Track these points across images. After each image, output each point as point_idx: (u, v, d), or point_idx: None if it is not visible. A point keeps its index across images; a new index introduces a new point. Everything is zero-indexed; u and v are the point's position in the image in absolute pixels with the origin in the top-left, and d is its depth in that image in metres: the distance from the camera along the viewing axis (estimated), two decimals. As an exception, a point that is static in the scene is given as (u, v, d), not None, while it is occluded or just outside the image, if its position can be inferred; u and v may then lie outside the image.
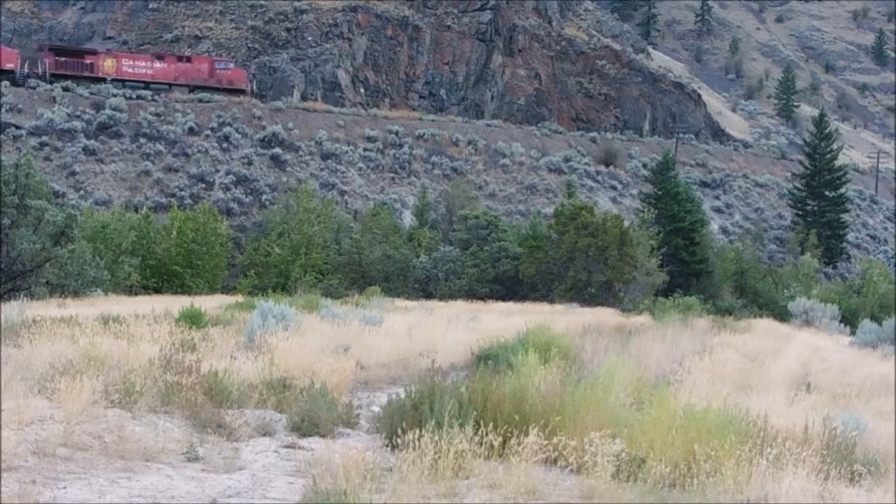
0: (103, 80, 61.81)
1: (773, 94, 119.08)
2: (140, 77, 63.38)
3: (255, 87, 67.04)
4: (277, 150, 60.77)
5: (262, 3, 74.21)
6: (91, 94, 59.61)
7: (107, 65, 62.83)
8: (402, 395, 9.21)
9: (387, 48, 75.67)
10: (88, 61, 62.46)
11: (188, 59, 65.82)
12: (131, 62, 64.17)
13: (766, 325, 30.10)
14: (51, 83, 59.58)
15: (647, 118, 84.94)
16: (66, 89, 59.35)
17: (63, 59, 61.62)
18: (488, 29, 79.59)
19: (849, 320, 35.95)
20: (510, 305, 34.04)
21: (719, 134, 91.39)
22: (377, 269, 46.17)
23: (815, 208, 71.30)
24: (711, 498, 7.11)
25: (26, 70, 60.38)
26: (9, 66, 59.21)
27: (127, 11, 72.50)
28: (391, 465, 7.72)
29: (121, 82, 62.27)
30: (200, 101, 62.69)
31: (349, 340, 15.57)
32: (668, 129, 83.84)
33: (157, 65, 64.59)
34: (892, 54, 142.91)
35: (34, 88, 58.69)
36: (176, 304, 21.09)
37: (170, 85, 63.80)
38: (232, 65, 67.09)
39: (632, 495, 7.15)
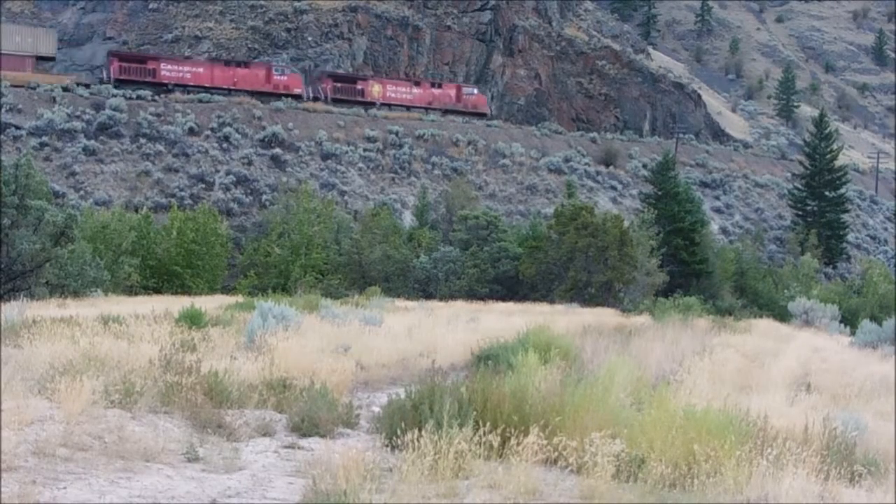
0: (372, 104, 68.68)
1: (773, 95, 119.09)
2: (401, 101, 70.63)
3: (492, 110, 74.83)
4: (277, 150, 60.77)
5: (262, 3, 74.21)
6: (91, 94, 59.65)
7: (375, 90, 69.65)
8: (402, 396, 9.21)
9: (387, 48, 75.68)
10: (360, 87, 69.16)
11: (439, 85, 73.28)
12: (394, 88, 71.12)
13: (766, 325, 30.09)
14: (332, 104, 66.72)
15: (647, 118, 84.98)
16: (341, 111, 66.19)
17: (339, 85, 68.66)
18: (488, 29, 79.62)
19: (849, 320, 35.90)
20: (510, 306, 34.03)
21: (719, 134, 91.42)
22: (377, 270, 46.17)
23: (815, 208, 71.30)
24: (711, 498, 7.11)
25: (311, 94, 67.23)
26: (297, 90, 66.68)
27: (127, 11, 72.50)
28: (391, 465, 7.73)
29: (387, 106, 69.15)
30: (200, 101, 62.71)
31: (349, 341, 15.57)
32: (668, 129, 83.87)
33: (415, 90, 71.91)
34: (892, 54, 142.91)
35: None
36: (176, 304, 21.09)
37: (426, 108, 71.00)
38: (475, 91, 74.50)
39: (632, 495, 7.15)
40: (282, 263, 45.27)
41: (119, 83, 61.80)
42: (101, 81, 62.51)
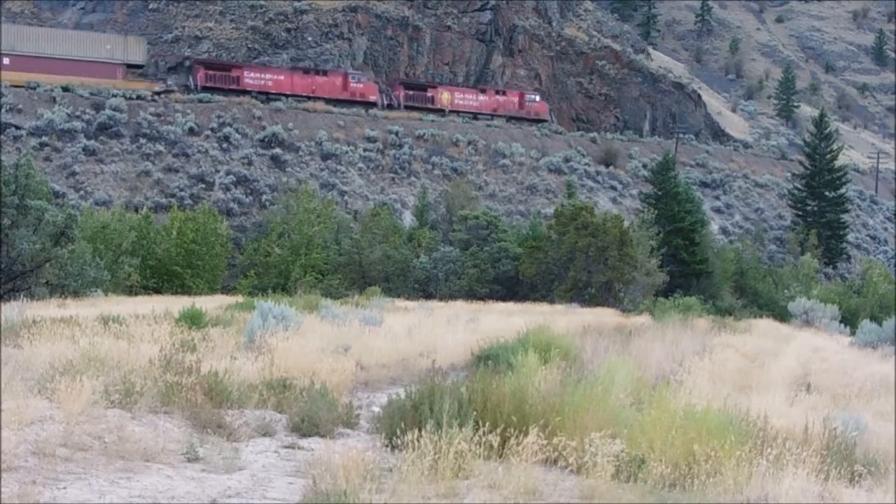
0: (442, 111, 70.91)
1: (773, 95, 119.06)
2: (468, 108, 72.51)
3: (552, 117, 76.52)
4: (277, 150, 60.77)
5: (262, 3, 74.21)
6: (91, 94, 59.66)
7: (444, 98, 71.88)
8: (402, 396, 9.22)
9: (387, 48, 75.68)
10: (430, 94, 71.73)
11: (503, 93, 75.03)
12: (462, 95, 73.19)
13: (766, 325, 30.09)
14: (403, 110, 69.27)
15: (647, 118, 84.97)
16: (411, 117, 68.48)
17: (411, 92, 71.27)
18: (488, 29, 79.61)
19: (849, 321, 35.91)
20: (510, 306, 34.03)
21: (719, 134, 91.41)
22: (377, 270, 46.16)
23: (815, 208, 71.29)
24: (711, 498, 7.11)
25: (385, 101, 69.42)
26: (372, 98, 68.71)
27: (127, 11, 72.50)
28: (391, 465, 7.73)
29: (455, 113, 71.17)
30: (200, 101, 62.72)
31: (349, 341, 15.57)
32: (668, 129, 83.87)
33: (481, 97, 73.63)
34: (892, 54, 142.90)
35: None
36: (176, 304, 21.09)
37: (491, 115, 72.75)
38: (537, 98, 76.30)
39: (632, 495, 7.15)
40: (282, 263, 45.27)
41: (205, 90, 63.87)
42: (188, 89, 64.58)
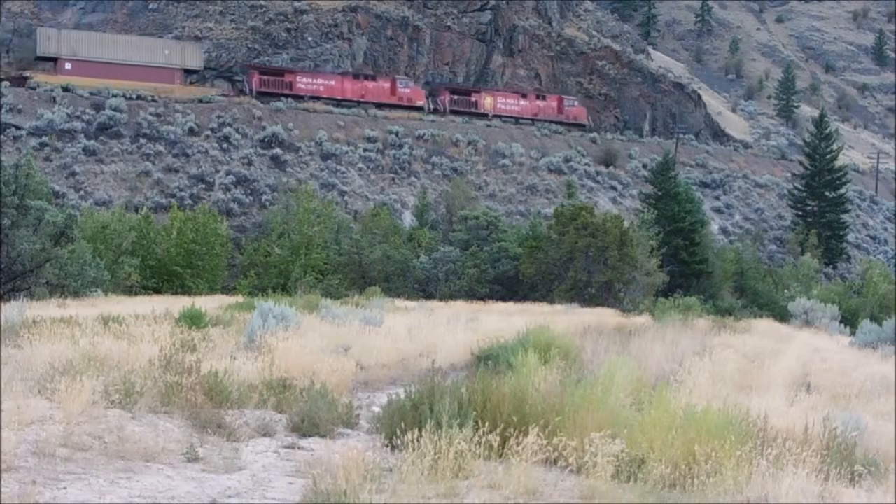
0: (485, 115, 72.15)
1: (773, 95, 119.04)
2: (510, 113, 74.05)
3: (590, 121, 77.99)
4: (277, 150, 60.75)
5: (262, 3, 74.20)
6: (91, 94, 59.66)
7: (487, 102, 73.27)
8: (402, 396, 9.21)
9: (387, 48, 75.66)
10: (474, 99, 72.98)
11: (543, 98, 76.57)
12: (504, 99, 74.60)
13: (766, 325, 30.09)
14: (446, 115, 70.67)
15: (647, 118, 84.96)
16: (458, 120, 70.20)
17: (456, 97, 72.45)
18: (488, 29, 79.58)
19: (849, 321, 35.93)
20: (510, 306, 34.05)
21: (719, 134, 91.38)
22: (377, 270, 46.16)
23: (816, 209, 71.27)
24: (711, 498, 7.12)
25: (432, 106, 71.12)
26: (419, 103, 70.43)
27: (127, 11, 72.48)
28: (391, 465, 7.73)
29: (498, 117, 72.60)
30: (200, 101, 62.73)
31: (349, 341, 15.58)
32: (668, 129, 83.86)
33: (522, 102, 75.14)
34: (892, 54, 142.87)
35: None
36: (176, 304, 21.10)
37: (532, 120, 74.03)
38: (576, 103, 77.86)
39: (632, 496, 7.15)
40: (282, 263, 45.26)
41: (260, 95, 65.02)
42: (242, 93, 65.75)
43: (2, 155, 42.99)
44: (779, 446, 7.81)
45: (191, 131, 59.39)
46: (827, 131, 74.22)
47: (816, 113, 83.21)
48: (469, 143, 68.26)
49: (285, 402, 10.39)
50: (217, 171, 57.40)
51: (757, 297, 53.46)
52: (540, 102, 75.86)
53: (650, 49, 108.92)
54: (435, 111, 71.04)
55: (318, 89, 67.48)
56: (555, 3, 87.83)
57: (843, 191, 73.28)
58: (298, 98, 65.97)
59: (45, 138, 54.82)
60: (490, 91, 75.19)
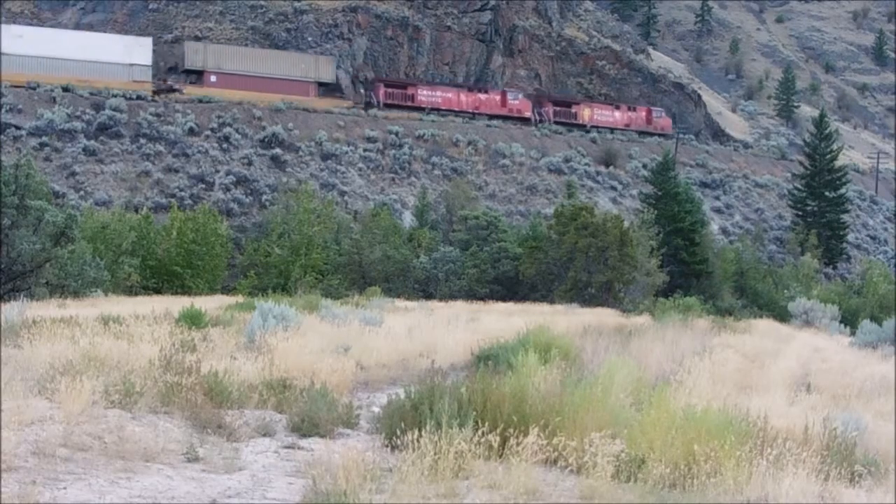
0: (584, 126, 75.50)
1: (773, 95, 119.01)
2: (605, 124, 77.26)
3: (676, 132, 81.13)
4: (277, 150, 60.74)
5: (262, 3, 74.20)
6: (91, 94, 59.67)
7: (585, 114, 76.80)
8: (402, 396, 9.21)
9: (387, 48, 75.65)
10: (574, 110, 76.45)
11: (633, 109, 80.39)
12: (600, 111, 78.18)
13: (766, 325, 30.09)
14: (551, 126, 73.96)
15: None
16: (559, 133, 73.10)
17: (558, 108, 75.77)
18: (488, 29, 79.57)
19: (849, 321, 35.92)
20: (510, 306, 34.05)
21: (719, 134, 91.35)
22: (377, 270, 46.16)
23: (816, 209, 71.25)
24: (711, 498, 7.12)
25: (537, 117, 74.16)
26: (527, 114, 73.91)
27: (127, 12, 72.48)
28: (391, 465, 7.73)
29: (595, 128, 75.99)
30: (200, 101, 62.73)
31: (349, 341, 15.58)
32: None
33: (616, 113, 78.83)
34: (892, 55, 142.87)
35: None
36: (176, 304, 21.10)
37: (623, 130, 77.51)
38: (663, 113, 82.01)
39: (632, 496, 7.16)
40: (282, 263, 45.25)
41: (386, 107, 68.73)
42: (369, 104, 69.14)
43: (2, 155, 42.98)
44: (779, 446, 7.81)
45: (191, 131, 59.39)
46: (827, 131, 74.20)
47: (816, 113, 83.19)
48: (469, 143, 68.26)
49: (285, 402, 10.39)
50: (217, 171, 57.39)
51: (757, 297, 53.46)
52: (631, 114, 79.68)
53: (650, 49, 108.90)
54: (540, 122, 74.06)
55: (436, 101, 71.17)
56: (555, 3, 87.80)
57: (843, 191, 73.26)
58: (420, 110, 69.73)
59: (45, 138, 54.81)
60: (588, 103, 78.79)
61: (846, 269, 70.35)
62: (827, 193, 71.97)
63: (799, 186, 73.30)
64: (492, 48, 79.90)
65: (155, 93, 62.19)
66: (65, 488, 6.84)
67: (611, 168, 72.50)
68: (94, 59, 61.81)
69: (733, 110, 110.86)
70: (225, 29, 72.41)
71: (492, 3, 79.87)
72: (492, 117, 71.82)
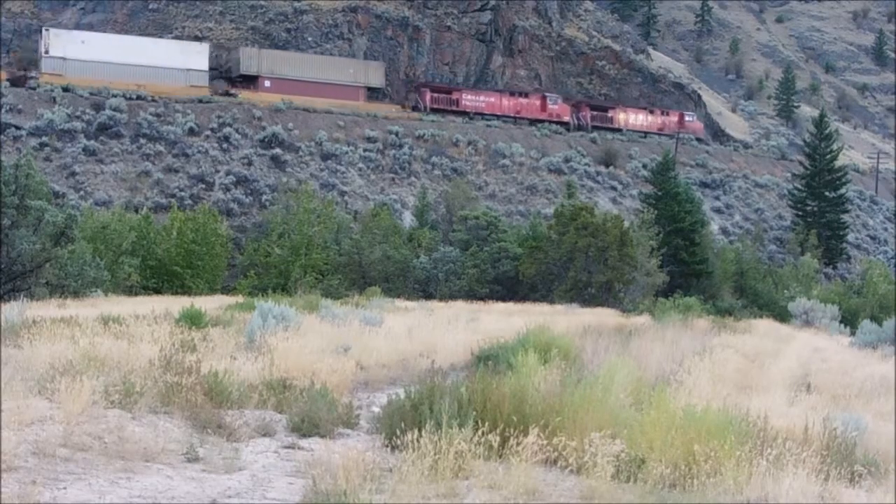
0: (619, 129, 77.97)
1: (773, 95, 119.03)
2: (640, 128, 79.82)
3: (706, 134, 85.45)
4: (277, 150, 60.75)
5: (262, 3, 74.21)
6: (92, 94, 59.68)
7: (621, 118, 79.11)
8: (402, 396, 9.21)
9: (387, 48, 75.66)
10: (610, 115, 78.96)
11: (666, 113, 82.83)
12: (634, 115, 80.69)
13: (766, 325, 30.08)
14: (589, 131, 76.45)
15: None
16: (593, 140, 74.77)
17: (594, 112, 78.12)
18: (488, 29, 79.57)
19: (849, 321, 35.90)
20: (510, 306, 34.04)
21: (719, 134, 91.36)
22: (377, 270, 46.15)
23: (816, 209, 71.25)
24: (711, 498, 7.11)
25: (576, 121, 76.34)
26: (566, 118, 75.70)
27: (127, 12, 72.48)
28: (391, 465, 7.73)
29: (631, 132, 78.42)
30: (200, 101, 62.73)
31: (349, 341, 15.57)
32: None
33: (650, 117, 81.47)
34: (892, 55, 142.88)
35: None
36: (176, 304, 21.10)
37: (657, 133, 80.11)
38: (695, 117, 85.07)
39: (632, 496, 7.15)
40: (282, 263, 45.25)
41: (432, 111, 70.77)
42: (416, 109, 71.31)
43: (2, 155, 42.97)
44: (779, 446, 7.80)
45: (191, 131, 59.39)
46: (827, 131, 74.20)
47: (816, 113, 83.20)
48: (469, 143, 68.26)
49: (285, 403, 10.38)
50: (217, 171, 57.39)
51: (757, 297, 53.43)
52: (664, 118, 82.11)
53: (650, 49, 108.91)
54: (579, 127, 76.19)
55: (480, 106, 72.97)
56: (555, 4, 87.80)
57: (843, 191, 73.26)
58: (464, 114, 71.47)
59: (45, 138, 54.82)
60: (623, 107, 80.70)
61: (846, 269, 70.34)
62: (827, 193, 71.98)
63: (799, 186, 73.30)
64: (492, 48, 79.91)
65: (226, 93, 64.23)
66: (65, 488, 6.84)
67: (611, 168, 72.50)
68: (154, 64, 63.50)
69: (733, 110, 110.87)
70: (225, 29, 72.42)
71: (492, 3, 79.87)
72: (532, 122, 73.65)
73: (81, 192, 52.20)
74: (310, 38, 73.04)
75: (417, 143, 66.49)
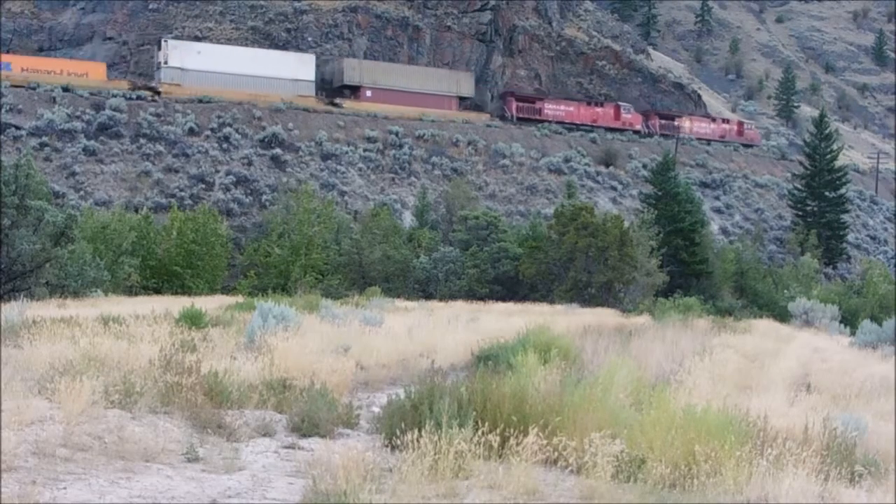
0: (683, 138, 79.78)
1: (773, 95, 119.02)
2: (704, 136, 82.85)
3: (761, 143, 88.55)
4: (277, 150, 60.74)
5: (262, 3, 74.18)
6: (91, 94, 59.67)
7: (686, 126, 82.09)
8: (402, 396, 9.21)
9: (387, 48, 75.64)
10: (677, 123, 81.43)
11: (726, 121, 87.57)
12: (699, 123, 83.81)
13: (766, 325, 30.09)
14: (653, 137, 78.92)
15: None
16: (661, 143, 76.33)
17: (664, 121, 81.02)
18: (488, 29, 79.52)
19: (849, 321, 35.93)
20: (510, 306, 34.05)
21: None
22: (377, 270, 46.16)
23: (816, 209, 71.23)
24: (711, 498, 7.11)
25: (646, 129, 79.16)
26: (637, 127, 78.76)
27: (127, 12, 72.42)
28: (391, 465, 7.73)
29: (695, 139, 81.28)
30: (200, 101, 62.72)
31: (349, 341, 15.57)
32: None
33: (712, 125, 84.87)
34: (892, 55, 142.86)
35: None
36: (176, 304, 21.10)
37: (719, 141, 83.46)
38: (754, 126, 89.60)
39: (632, 496, 7.15)
40: (282, 264, 45.25)
41: (519, 120, 73.38)
42: (503, 118, 73.89)
43: (2, 155, 42.97)
44: (779, 446, 7.81)
45: (191, 131, 59.39)
46: (827, 131, 74.17)
47: (816, 113, 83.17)
48: (469, 143, 68.25)
49: (285, 403, 10.39)
50: (217, 171, 57.39)
51: (757, 297, 53.44)
52: (725, 125, 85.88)
53: (650, 49, 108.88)
54: (649, 135, 78.53)
55: (560, 115, 75.51)
56: (555, 4, 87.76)
57: (843, 191, 73.22)
58: (546, 122, 73.81)
59: (45, 138, 54.81)
60: (689, 115, 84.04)
61: (846, 269, 70.33)
62: (827, 193, 71.95)
63: (799, 186, 73.27)
64: (492, 48, 79.86)
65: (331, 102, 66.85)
66: (65, 488, 6.84)
67: (611, 168, 72.48)
68: (265, 74, 65.51)
69: (733, 110, 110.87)
70: (225, 29, 72.38)
71: (492, 3, 79.82)
72: (607, 130, 76.37)
73: (81, 192, 52.19)
74: (310, 38, 73.03)
75: (417, 143, 66.48)
